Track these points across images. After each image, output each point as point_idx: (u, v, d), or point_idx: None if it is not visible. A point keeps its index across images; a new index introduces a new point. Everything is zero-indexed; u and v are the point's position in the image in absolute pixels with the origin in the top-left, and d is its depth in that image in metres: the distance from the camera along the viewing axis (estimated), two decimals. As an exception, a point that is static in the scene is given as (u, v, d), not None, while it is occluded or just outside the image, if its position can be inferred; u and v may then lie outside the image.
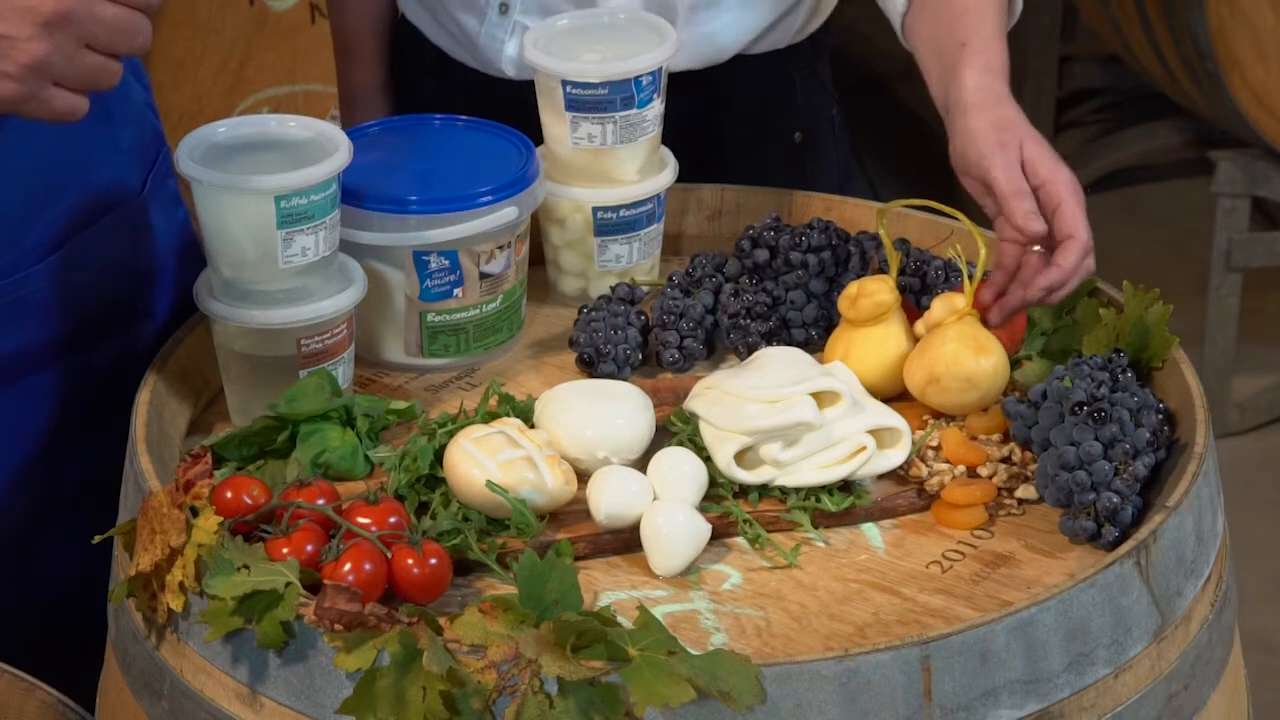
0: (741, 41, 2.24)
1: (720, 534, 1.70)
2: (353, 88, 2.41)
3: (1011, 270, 1.84)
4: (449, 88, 2.27)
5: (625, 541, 1.69)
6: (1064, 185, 1.81)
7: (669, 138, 2.05)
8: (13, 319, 1.84)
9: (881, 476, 1.76)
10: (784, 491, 1.73)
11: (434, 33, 2.31)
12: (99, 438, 1.88)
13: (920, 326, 1.84)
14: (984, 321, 1.83)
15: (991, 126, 1.83)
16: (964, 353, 1.79)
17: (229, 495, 1.63)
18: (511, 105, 2.05)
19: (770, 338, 1.92)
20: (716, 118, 2.27)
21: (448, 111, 2.06)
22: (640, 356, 1.92)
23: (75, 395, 1.91)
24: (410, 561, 1.59)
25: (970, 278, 1.83)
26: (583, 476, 1.73)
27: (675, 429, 1.80)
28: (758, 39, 2.26)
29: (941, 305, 1.83)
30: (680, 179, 2.06)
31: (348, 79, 2.42)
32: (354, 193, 1.88)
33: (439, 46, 2.31)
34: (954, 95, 1.88)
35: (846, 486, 1.74)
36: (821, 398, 1.75)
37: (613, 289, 1.99)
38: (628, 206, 2.01)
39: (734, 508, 1.72)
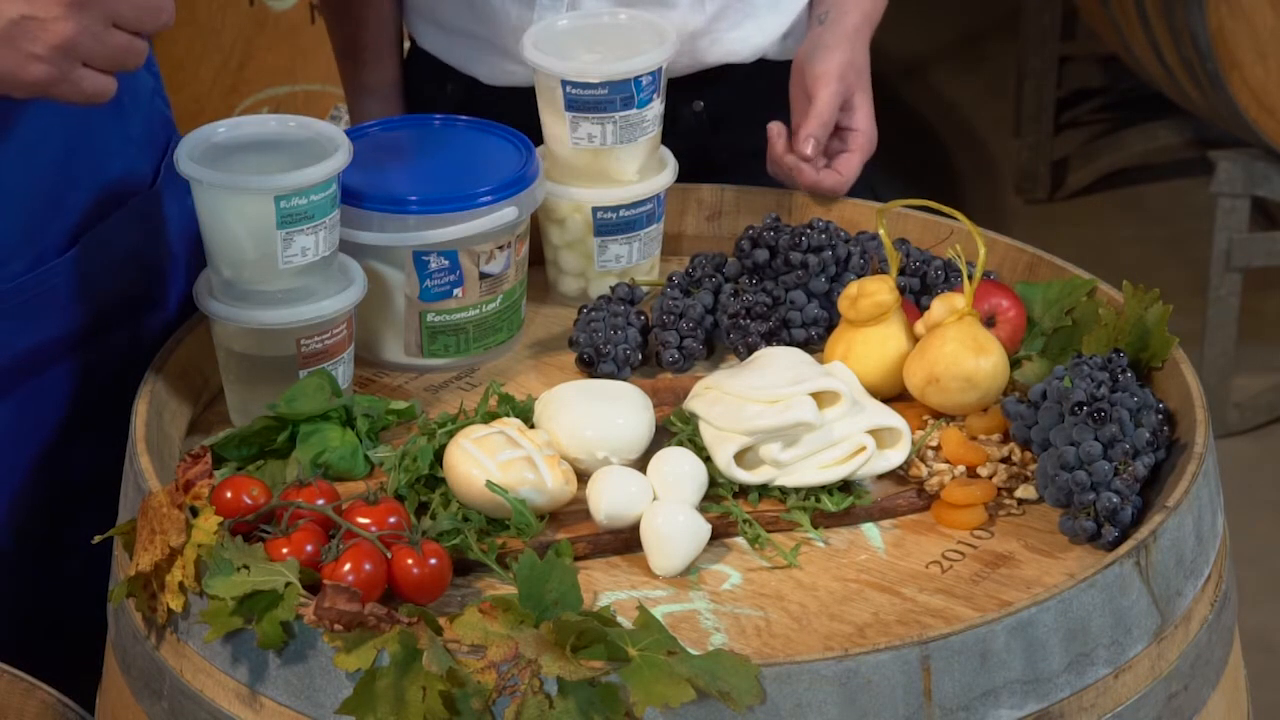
0: (768, 37, 2.25)
1: (720, 534, 1.70)
2: (366, 86, 2.39)
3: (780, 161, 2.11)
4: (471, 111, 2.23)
5: (625, 541, 1.69)
6: (865, 141, 2.12)
7: (701, 152, 2.05)
8: (35, 313, 1.85)
9: (881, 476, 1.76)
10: (784, 491, 1.73)
11: (456, 50, 2.29)
12: (110, 429, 1.88)
13: (920, 327, 1.85)
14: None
15: (847, 63, 2.11)
16: (964, 353, 1.79)
17: (229, 495, 1.63)
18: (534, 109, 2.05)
19: (770, 338, 1.92)
20: (747, 129, 2.26)
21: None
22: (640, 356, 1.92)
23: (89, 386, 1.91)
24: (410, 561, 1.59)
25: (970, 277, 1.83)
26: (583, 476, 1.73)
27: (675, 429, 1.80)
28: (783, 38, 2.26)
29: (941, 305, 1.83)
30: (681, 179, 2.06)
31: (360, 80, 2.39)
32: (354, 193, 1.88)
33: (460, 70, 2.29)
34: (835, 16, 2.17)
35: (846, 486, 1.74)
36: (821, 398, 1.75)
37: (613, 289, 1.99)
38: (627, 206, 2.01)
39: (734, 508, 1.72)
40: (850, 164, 2.11)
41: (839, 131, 2.12)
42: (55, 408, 1.90)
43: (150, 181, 1.95)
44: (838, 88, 2.10)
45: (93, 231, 1.87)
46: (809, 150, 2.08)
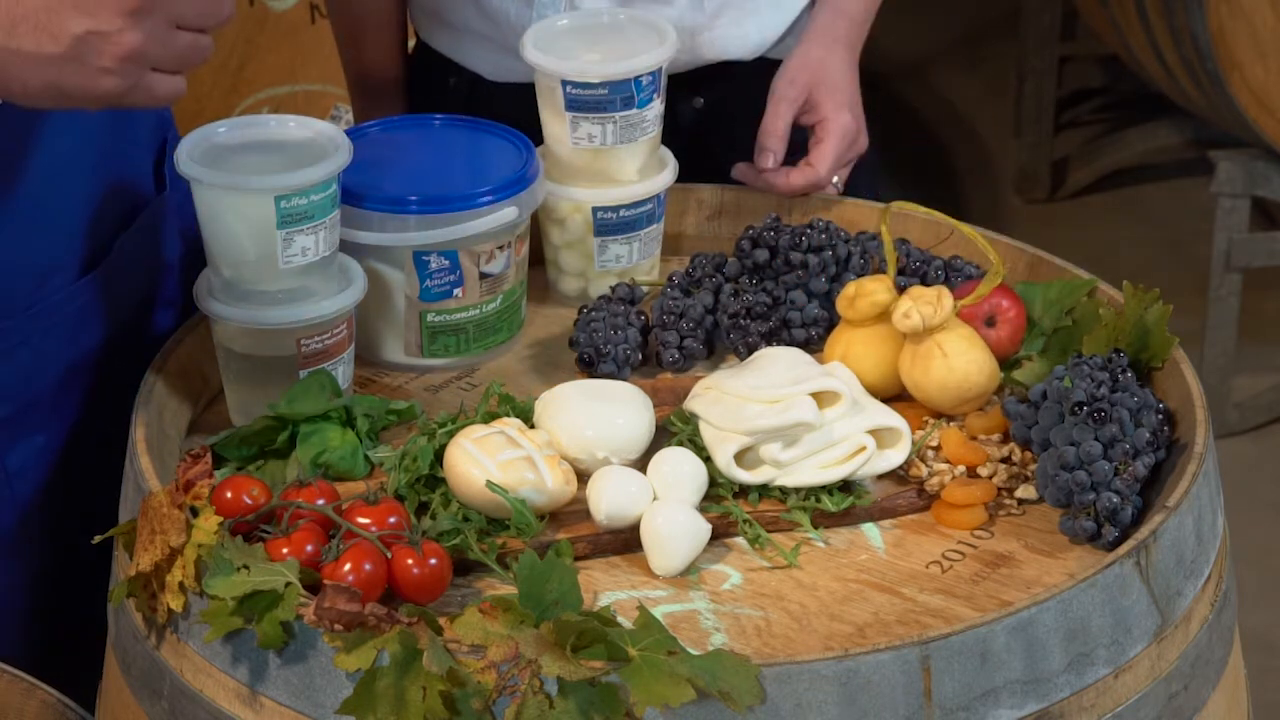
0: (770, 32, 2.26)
1: (720, 534, 1.70)
2: (370, 83, 2.39)
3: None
4: (479, 111, 2.23)
5: (625, 541, 1.69)
6: (836, 127, 2.13)
7: (701, 151, 2.05)
8: (81, 324, 1.86)
9: (881, 476, 1.76)
10: (784, 491, 1.73)
11: (460, 46, 2.29)
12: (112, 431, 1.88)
13: (900, 327, 1.81)
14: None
15: (799, 68, 2.15)
16: (953, 355, 1.78)
17: (229, 495, 1.63)
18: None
19: (770, 338, 1.92)
20: (747, 127, 2.26)
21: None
22: (640, 356, 1.92)
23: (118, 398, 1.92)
24: (410, 561, 1.59)
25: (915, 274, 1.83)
26: (583, 476, 1.73)
27: (675, 429, 1.80)
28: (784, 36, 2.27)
29: (907, 303, 1.80)
30: (681, 178, 2.06)
31: (363, 77, 2.39)
32: (354, 193, 1.88)
33: (464, 65, 2.29)
34: (812, 15, 2.22)
35: (846, 486, 1.74)
36: (821, 398, 1.75)
37: (613, 289, 1.99)
38: (628, 206, 2.01)
39: (734, 508, 1.72)
40: (822, 155, 2.13)
41: (810, 128, 2.15)
42: (72, 411, 1.91)
43: (153, 185, 1.95)
44: (788, 94, 2.13)
45: (119, 241, 1.88)
46: (768, 164, 2.12)
